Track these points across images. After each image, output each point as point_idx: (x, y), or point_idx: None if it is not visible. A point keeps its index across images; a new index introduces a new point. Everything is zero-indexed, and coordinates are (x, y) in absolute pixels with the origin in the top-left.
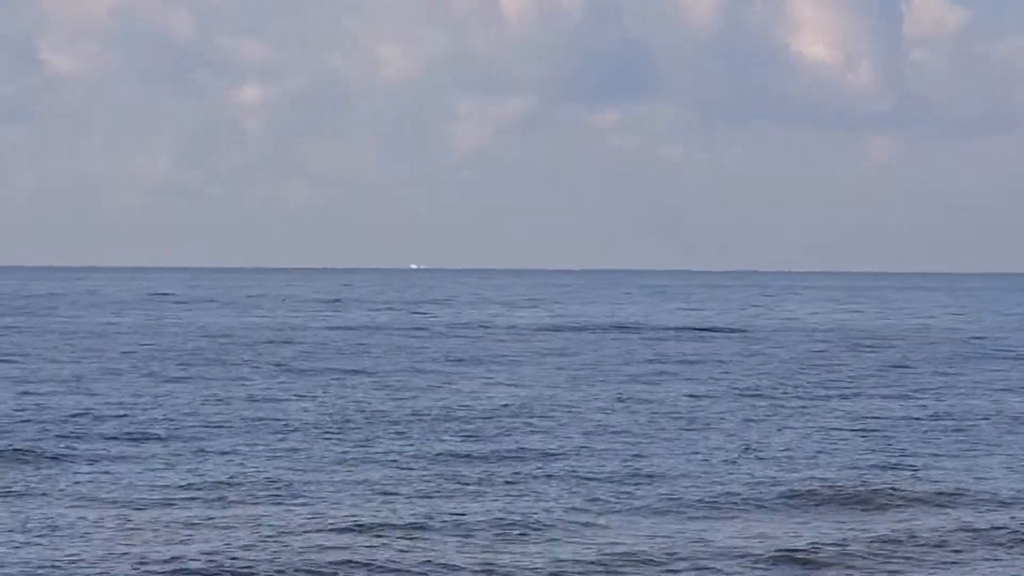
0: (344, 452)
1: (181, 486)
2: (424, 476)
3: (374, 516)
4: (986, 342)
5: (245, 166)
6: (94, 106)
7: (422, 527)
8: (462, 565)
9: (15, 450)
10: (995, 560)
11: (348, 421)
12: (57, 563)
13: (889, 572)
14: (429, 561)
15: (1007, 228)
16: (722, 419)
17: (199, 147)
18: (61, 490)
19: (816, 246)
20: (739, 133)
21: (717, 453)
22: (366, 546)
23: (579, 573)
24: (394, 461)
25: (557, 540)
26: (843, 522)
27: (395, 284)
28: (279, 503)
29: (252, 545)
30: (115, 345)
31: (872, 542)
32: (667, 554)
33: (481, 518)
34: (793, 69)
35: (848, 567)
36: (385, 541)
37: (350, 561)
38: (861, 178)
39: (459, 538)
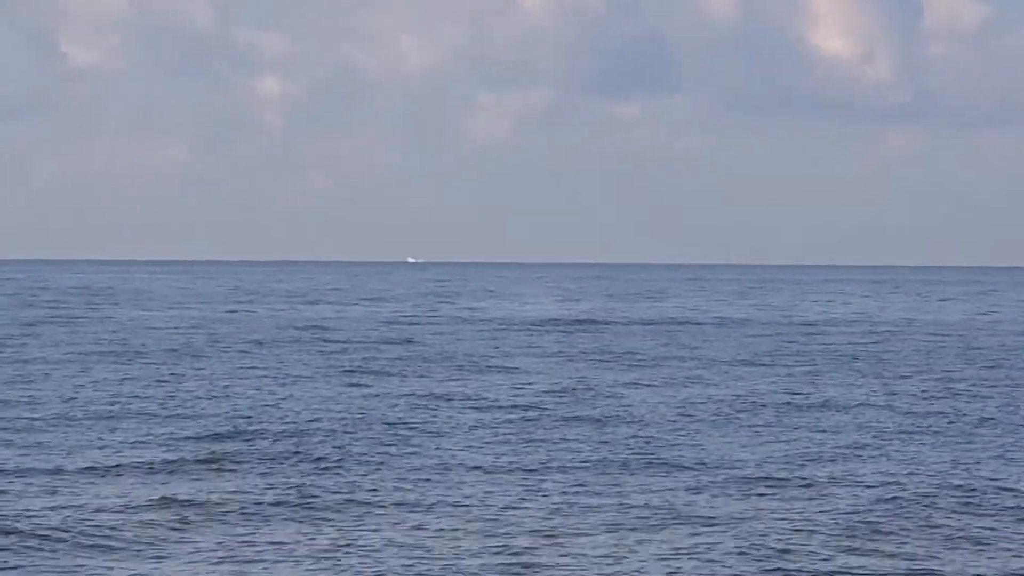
0: None
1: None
2: None
3: None
4: None
5: (264, 158)
6: (114, 98)
7: None
8: None
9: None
10: None
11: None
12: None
13: None
14: None
15: None
16: None
17: (218, 139)
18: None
19: (832, 239)
20: (758, 126)
21: None
22: None
23: None
24: None
25: None
26: None
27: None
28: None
29: None
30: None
31: None
32: None
33: None
34: (811, 63)
35: None
36: None
37: None
38: (879, 171)
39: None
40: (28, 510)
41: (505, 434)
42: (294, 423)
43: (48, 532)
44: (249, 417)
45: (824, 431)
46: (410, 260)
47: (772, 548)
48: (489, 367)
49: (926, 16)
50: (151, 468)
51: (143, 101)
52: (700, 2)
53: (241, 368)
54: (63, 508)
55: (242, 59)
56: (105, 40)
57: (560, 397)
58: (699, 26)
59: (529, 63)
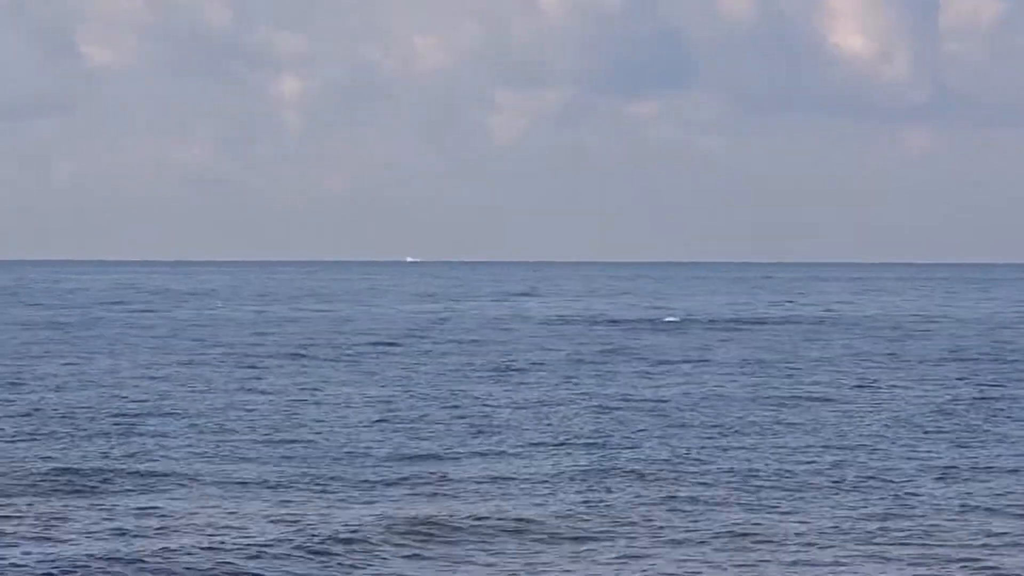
0: None
1: None
2: None
3: None
4: None
5: (283, 158)
6: (132, 98)
7: None
8: None
9: None
10: None
11: None
12: None
13: None
14: None
15: None
16: None
17: (237, 138)
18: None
19: (851, 237)
20: (775, 124)
21: None
22: None
23: None
24: None
25: None
26: None
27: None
28: None
29: None
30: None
31: None
32: None
33: None
34: (829, 60)
35: None
36: None
37: None
38: (897, 169)
39: None
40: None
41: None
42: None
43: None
44: None
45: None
46: (408, 260)
47: None
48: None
49: (943, 14)
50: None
51: (161, 101)
52: (719, 0)
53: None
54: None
55: (259, 59)
56: (122, 40)
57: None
58: (716, 24)
59: (546, 62)
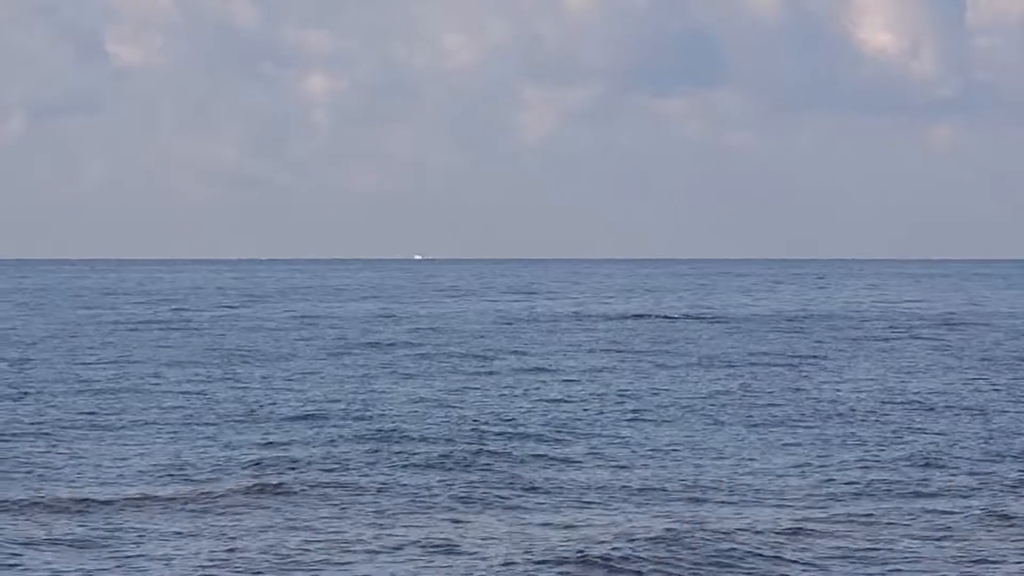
0: None
1: None
2: None
3: None
4: None
5: (312, 156)
6: (161, 97)
7: None
8: None
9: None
10: None
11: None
12: None
13: None
14: None
15: None
16: None
17: (266, 137)
18: None
19: (880, 233)
20: (804, 120)
21: None
22: None
23: None
24: None
25: None
26: None
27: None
28: None
29: None
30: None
31: None
32: None
33: None
34: (857, 56)
35: None
36: None
37: None
38: (925, 165)
39: None
40: None
41: None
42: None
43: None
44: None
45: None
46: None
47: None
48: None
49: (970, 9)
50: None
51: (189, 100)
52: None
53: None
54: None
55: (287, 58)
56: (150, 40)
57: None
58: (744, 21)
59: (574, 59)
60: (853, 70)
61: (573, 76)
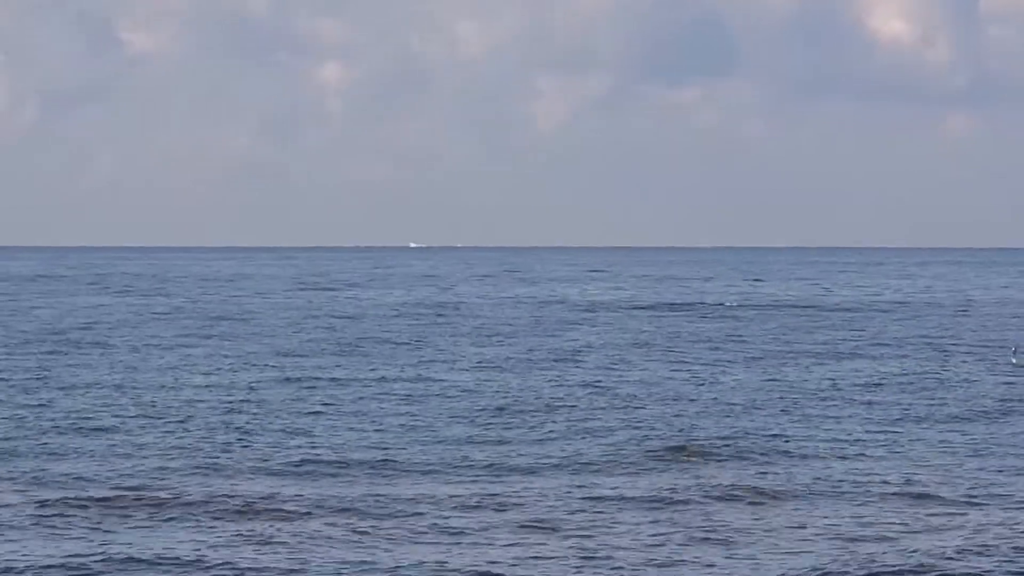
0: None
1: None
2: None
3: None
4: None
5: (325, 145)
6: (174, 86)
7: None
8: None
9: None
10: None
11: None
12: None
13: None
14: None
15: None
16: None
17: (279, 126)
18: None
19: (893, 222)
20: (817, 109)
21: None
22: None
23: None
24: None
25: None
26: None
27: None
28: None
29: None
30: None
31: None
32: None
33: None
34: (870, 45)
35: None
36: None
37: None
38: (938, 154)
39: None
40: None
41: None
42: None
43: None
44: None
45: None
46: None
47: None
48: None
49: None
50: None
51: (202, 88)
52: None
53: None
54: None
55: (300, 46)
56: (162, 27)
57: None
58: (757, 9)
59: (588, 48)
60: (866, 59)
61: (586, 65)
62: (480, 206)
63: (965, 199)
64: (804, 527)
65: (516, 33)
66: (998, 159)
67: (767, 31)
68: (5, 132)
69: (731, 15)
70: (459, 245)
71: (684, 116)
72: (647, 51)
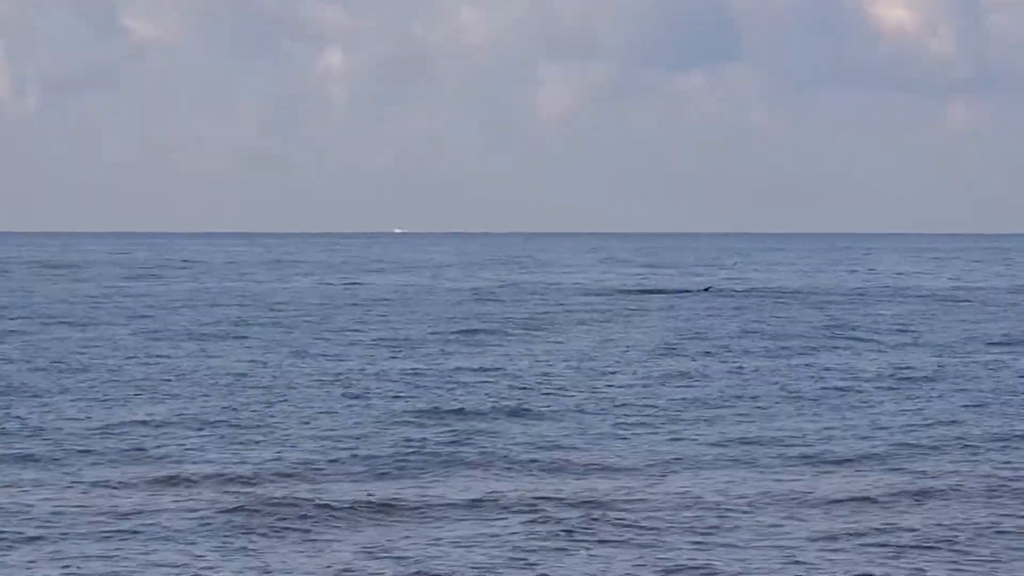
0: None
1: None
2: None
3: None
4: None
5: (329, 132)
6: (178, 73)
7: None
8: None
9: None
10: None
11: None
12: None
13: None
14: None
15: None
16: None
17: (282, 113)
18: None
19: (897, 209)
20: (820, 98)
21: None
22: None
23: None
24: None
25: None
26: None
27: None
28: None
29: None
30: None
31: None
32: None
33: None
34: (874, 34)
35: None
36: None
37: None
38: (942, 143)
39: None
40: None
41: None
42: None
43: None
44: None
45: None
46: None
47: None
48: None
49: None
50: None
51: (206, 76)
52: None
53: None
54: None
55: (304, 34)
56: (166, 15)
57: None
58: None
59: (591, 35)
60: (870, 48)
61: (590, 52)
62: (482, 192)
63: (969, 187)
64: None
65: (519, 21)
66: (1001, 147)
67: (772, 20)
68: (7, 118)
69: (736, 4)
70: (451, 231)
71: (688, 104)
72: (651, 40)
